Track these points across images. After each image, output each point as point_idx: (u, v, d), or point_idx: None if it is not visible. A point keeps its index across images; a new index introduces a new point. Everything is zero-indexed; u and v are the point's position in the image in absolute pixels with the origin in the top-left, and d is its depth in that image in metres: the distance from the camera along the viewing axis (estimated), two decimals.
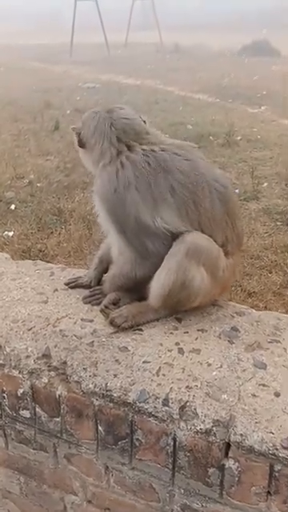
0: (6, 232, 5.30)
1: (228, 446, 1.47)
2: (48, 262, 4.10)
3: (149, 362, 1.65)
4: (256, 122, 9.88)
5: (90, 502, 1.85)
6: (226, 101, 11.99)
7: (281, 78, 14.39)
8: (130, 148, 1.83)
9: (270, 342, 1.75)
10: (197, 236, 1.77)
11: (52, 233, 5.25)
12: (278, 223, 5.53)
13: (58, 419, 1.74)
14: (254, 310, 1.95)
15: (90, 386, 1.62)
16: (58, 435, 1.77)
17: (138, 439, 1.60)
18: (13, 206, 5.93)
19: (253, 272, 4.53)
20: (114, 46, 20.91)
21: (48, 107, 10.93)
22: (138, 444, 1.61)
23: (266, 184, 6.59)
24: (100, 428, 1.66)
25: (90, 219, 5.34)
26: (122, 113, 1.89)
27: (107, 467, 1.73)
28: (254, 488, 1.46)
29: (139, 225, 1.77)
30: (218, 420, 1.47)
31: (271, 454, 1.39)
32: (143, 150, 1.81)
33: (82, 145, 1.95)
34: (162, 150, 1.82)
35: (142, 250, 1.80)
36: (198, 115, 10.31)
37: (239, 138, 8.56)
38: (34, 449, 1.87)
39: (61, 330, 1.81)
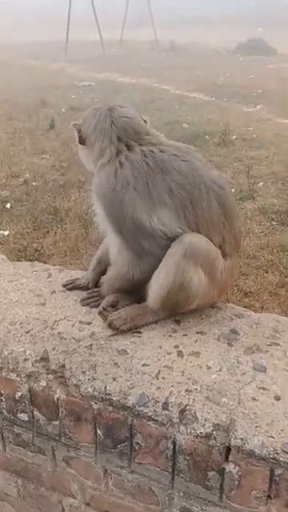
0: (1, 231, 5.28)
1: (228, 449, 1.46)
2: (44, 261, 4.10)
3: (148, 365, 1.64)
4: (251, 121, 9.90)
5: (88, 504, 1.85)
6: (221, 100, 12.01)
7: (276, 77, 14.42)
8: (129, 148, 1.83)
9: (269, 345, 1.75)
10: (195, 237, 1.77)
11: (48, 232, 5.24)
12: (274, 223, 5.54)
13: (56, 422, 1.73)
14: (252, 312, 1.95)
15: (89, 389, 1.61)
16: (57, 438, 1.76)
17: (137, 443, 1.59)
18: (8, 205, 5.91)
19: (249, 272, 4.54)
20: (109, 43, 20.87)
21: (43, 105, 10.90)
22: (137, 447, 1.60)
23: (261, 183, 6.60)
24: (99, 431, 1.65)
25: (86, 218, 5.33)
26: (122, 111, 1.89)
27: (106, 470, 1.72)
28: (254, 492, 1.46)
29: (136, 225, 1.76)
30: (218, 424, 1.46)
31: (272, 459, 1.38)
32: (142, 150, 1.81)
33: (82, 141, 1.93)
34: (161, 151, 1.81)
35: (138, 250, 1.79)
36: (193, 114, 10.32)
37: (235, 137, 8.57)
38: (32, 452, 1.86)
39: (59, 333, 1.79)
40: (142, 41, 22.50)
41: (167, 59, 18.82)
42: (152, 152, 1.80)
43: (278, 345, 1.76)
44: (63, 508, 1.92)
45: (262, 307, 4.05)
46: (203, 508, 1.57)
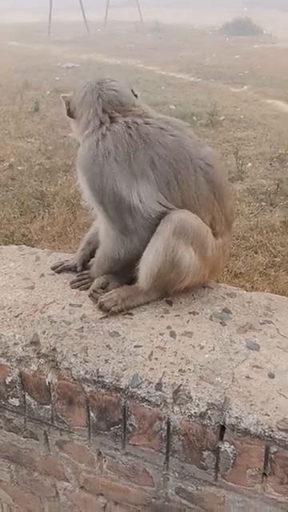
0: None
1: (223, 428, 1.45)
2: (32, 246, 4.03)
3: (140, 347, 1.62)
4: (239, 102, 9.82)
5: (82, 487, 1.83)
6: (208, 80, 11.90)
7: (262, 57, 14.31)
8: (112, 119, 1.79)
9: (262, 323, 1.73)
10: (183, 214, 1.73)
11: (35, 217, 5.16)
12: (263, 203, 5.53)
13: (48, 407, 1.71)
14: (245, 291, 1.93)
15: (81, 372, 1.58)
16: (49, 422, 1.74)
17: (131, 424, 1.57)
18: None
19: (239, 253, 4.53)
20: (93, 24, 20.48)
21: (27, 88, 10.70)
22: (131, 429, 1.58)
23: (250, 164, 6.57)
24: (92, 414, 1.63)
25: (73, 203, 5.27)
26: (111, 85, 1.85)
27: (100, 453, 1.71)
28: (249, 470, 1.45)
29: (116, 197, 1.72)
30: (212, 403, 1.45)
31: (267, 436, 1.37)
32: (125, 121, 1.77)
33: (70, 114, 1.90)
34: (146, 123, 1.78)
35: (121, 226, 1.76)
36: (180, 95, 10.21)
37: (222, 117, 8.51)
38: (24, 437, 1.83)
39: (49, 316, 1.76)
40: (127, 21, 22.14)
41: (152, 40, 18.56)
42: (136, 123, 1.77)
43: (271, 323, 1.74)
44: (57, 492, 1.91)
45: (252, 287, 4.05)
46: (198, 488, 1.57)
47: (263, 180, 6.11)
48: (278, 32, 19.05)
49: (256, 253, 4.57)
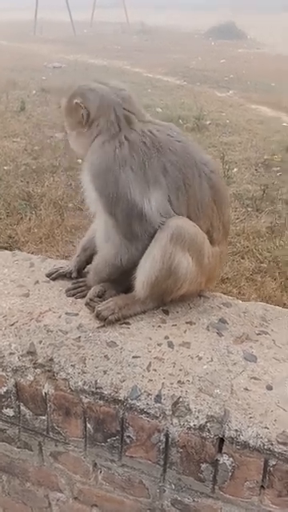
0: None
1: (222, 441, 1.45)
2: (18, 248, 3.99)
3: (138, 357, 1.61)
4: (224, 107, 9.89)
5: (76, 498, 1.81)
6: (194, 84, 11.95)
7: (247, 62, 14.44)
8: (130, 124, 1.77)
9: (258, 334, 1.74)
10: (181, 221, 1.73)
11: (22, 218, 5.09)
12: (249, 209, 5.56)
13: (43, 417, 1.68)
14: (240, 301, 1.94)
15: (79, 383, 1.57)
16: (44, 433, 1.71)
17: (128, 436, 1.56)
18: None
19: (226, 258, 4.54)
20: (79, 24, 20.40)
21: (13, 87, 10.58)
22: (128, 441, 1.57)
23: (236, 169, 6.60)
24: (89, 425, 1.61)
25: (61, 204, 5.21)
26: (119, 85, 1.83)
27: (95, 464, 1.69)
28: (247, 483, 1.45)
29: (130, 205, 1.71)
30: (211, 415, 1.45)
31: (266, 450, 1.38)
32: (142, 130, 1.77)
33: (88, 121, 1.79)
34: (158, 131, 1.78)
35: (128, 232, 1.74)
36: (167, 98, 10.23)
37: (208, 122, 8.54)
38: (17, 447, 1.80)
39: (45, 325, 1.74)
40: (113, 22, 22.10)
41: (139, 42, 18.58)
42: (150, 132, 1.76)
43: (267, 333, 1.75)
44: (50, 503, 1.88)
45: (239, 293, 4.07)
46: (195, 500, 1.57)
47: (249, 185, 6.15)
48: (265, 36, 19.26)
49: (243, 258, 4.59)
